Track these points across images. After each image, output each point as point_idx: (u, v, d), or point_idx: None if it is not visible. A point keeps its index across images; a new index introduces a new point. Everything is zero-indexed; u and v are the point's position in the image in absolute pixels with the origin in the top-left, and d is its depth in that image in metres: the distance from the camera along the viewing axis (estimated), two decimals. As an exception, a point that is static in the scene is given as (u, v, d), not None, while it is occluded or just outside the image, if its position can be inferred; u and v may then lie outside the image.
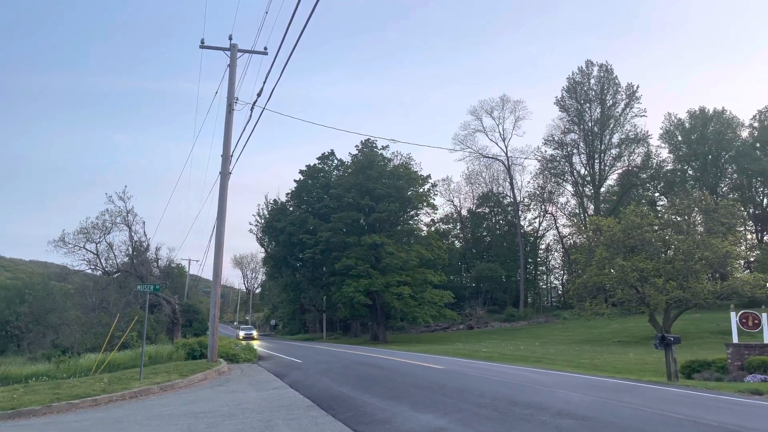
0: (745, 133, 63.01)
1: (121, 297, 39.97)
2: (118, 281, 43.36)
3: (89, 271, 44.69)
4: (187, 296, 64.92)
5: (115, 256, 43.65)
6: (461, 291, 68.20)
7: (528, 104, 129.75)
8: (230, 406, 10.76)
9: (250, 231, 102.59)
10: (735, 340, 16.47)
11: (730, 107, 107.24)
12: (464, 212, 79.94)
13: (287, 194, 61.93)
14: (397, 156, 61.91)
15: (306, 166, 60.16)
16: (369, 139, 59.94)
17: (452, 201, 79.89)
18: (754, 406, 10.56)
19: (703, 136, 62.02)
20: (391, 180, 54.42)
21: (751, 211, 60.59)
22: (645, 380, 15.42)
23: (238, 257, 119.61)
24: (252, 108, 19.97)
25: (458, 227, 79.94)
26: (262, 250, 72.03)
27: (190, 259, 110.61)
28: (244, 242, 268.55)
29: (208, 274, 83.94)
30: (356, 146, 60.80)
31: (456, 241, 77.64)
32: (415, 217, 59.58)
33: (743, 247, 44.45)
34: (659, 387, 13.67)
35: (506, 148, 72.43)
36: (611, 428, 7.80)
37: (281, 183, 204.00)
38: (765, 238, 56.55)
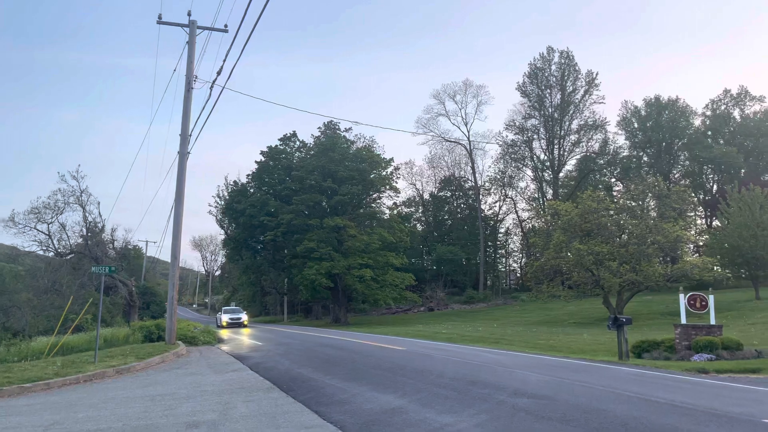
0: (697, 122, 65.05)
1: (75, 279, 38.95)
2: (71, 263, 42.23)
3: (41, 252, 43.52)
4: (145, 278, 63.74)
5: (68, 237, 42.57)
6: (422, 273, 68.83)
7: (490, 89, 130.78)
8: (188, 389, 10.64)
9: (210, 213, 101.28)
10: (683, 321, 17.08)
11: (684, 96, 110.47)
12: (426, 196, 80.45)
13: (248, 176, 61.05)
14: (360, 139, 61.79)
15: (267, 147, 59.29)
16: (332, 120, 59.64)
17: (414, 184, 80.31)
18: (700, 384, 11.03)
19: (658, 123, 63.68)
20: (353, 163, 54.19)
21: (701, 196, 62.75)
22: (598, 360, 15.93)
23: (197, 239, 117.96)
24: (212, 87, 19.66)
25: (420, 210, 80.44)
26: (222, 232, 71.11)
27: (147, 241, 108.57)
28: (204, 224, 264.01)
29: (166, 256, 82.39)
30: (319, 128, 60.39)
31: (418, 225, 78.14)
32: (378, 200, 59.64)
33: (693, 232, 46.06)
34: (611, 366, 14.14)
35: (468, 132, 73.10)
36: (565, 406, 8.04)
37: (242, 164, 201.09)
38: (714, 223, 58.67)
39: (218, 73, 18.64)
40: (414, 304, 60.53)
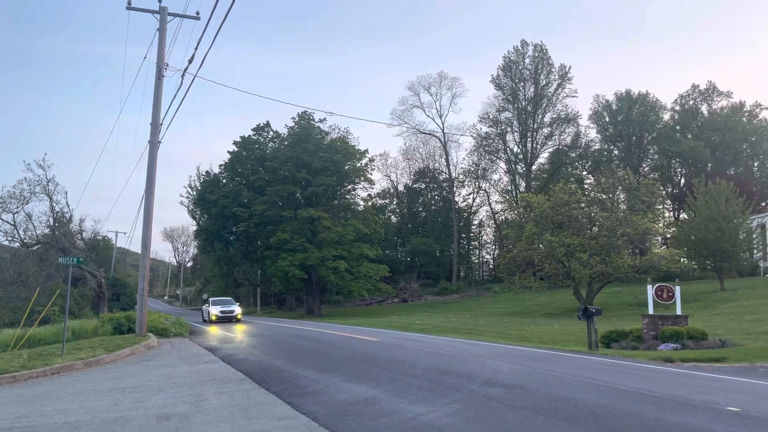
0: (666, 116, 66.29)
1: (42, 270, 38.12)
2: (37, 254, 41.34)
3: (6, 242, 42.53)
4: (114, 270, 62.67)
5: (34, 227, 41.65)
6: (396, 265, 69.03)
7: (465, 82, 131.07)
8: (159, 381, 10.52)
9: (181, 203, 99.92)
10: (650, 311, 17.44)
11: (654, 91, 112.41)
12: (401, 187, 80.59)
13: (220, 166, 60.25)
14: (334, 130, 61.48)
15: (240, 137, 58.57)
16: (306, 111, 59.09)
17: (389, 176, 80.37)
18: (665, 372, 11.29)
19: (629, 117, 64.72)
20: (328, 154, 53.92)
21: (669, 190, 64.08)
22: (568, 350, 16.20)
23: (168, 230, 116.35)
24: (183, 75, 19.35)
25: (395, 202, 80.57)
26: (194, 223, 70.19)
27: (117, 232, 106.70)
28: (175, 215, 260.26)
29: (136, 246, 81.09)
30: (293, 118, 59.82)
31: (392, 216, 78.28)
32: (352, 192, 59.52)
33: (661, 224, 47.01)
34: (581, 356, 14.39)
35: (443, 124, 73.19)
36: (536, 395, 8.16)
37: (215, 154, 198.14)
38: (681, 216, 59.96)
39: (190, 62, 18.37)
40: (388, 296, 60.73)
